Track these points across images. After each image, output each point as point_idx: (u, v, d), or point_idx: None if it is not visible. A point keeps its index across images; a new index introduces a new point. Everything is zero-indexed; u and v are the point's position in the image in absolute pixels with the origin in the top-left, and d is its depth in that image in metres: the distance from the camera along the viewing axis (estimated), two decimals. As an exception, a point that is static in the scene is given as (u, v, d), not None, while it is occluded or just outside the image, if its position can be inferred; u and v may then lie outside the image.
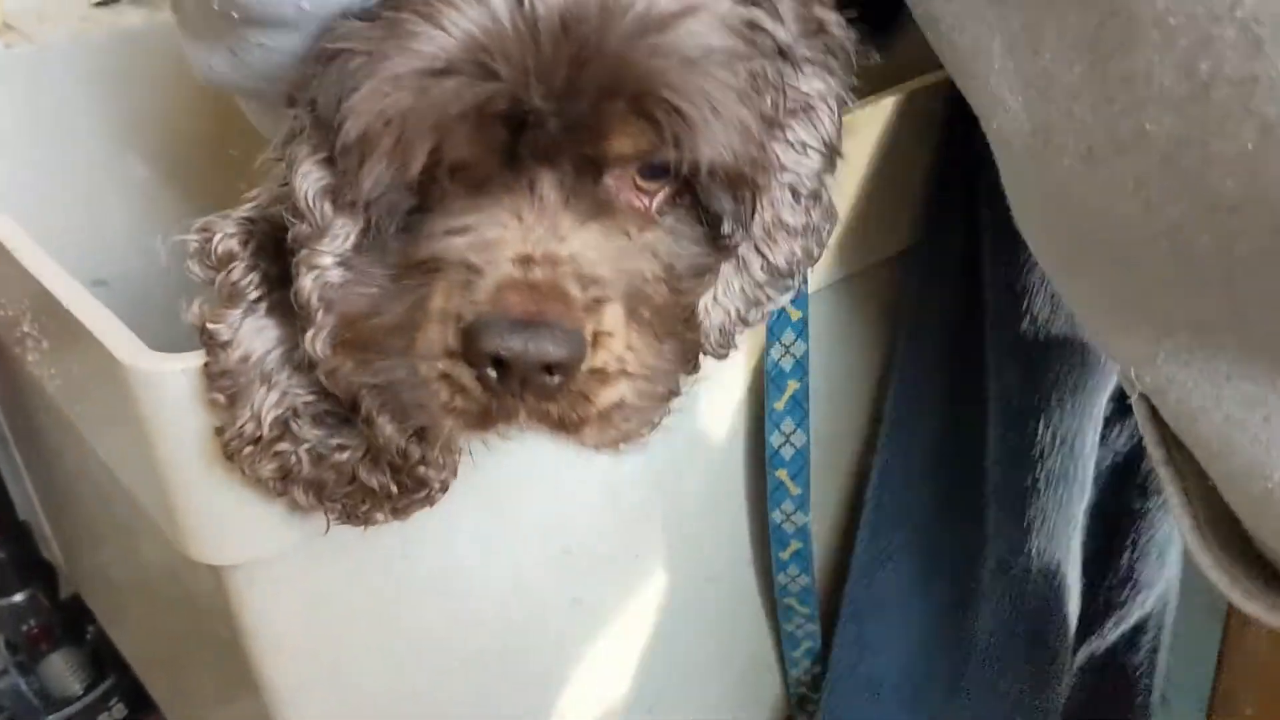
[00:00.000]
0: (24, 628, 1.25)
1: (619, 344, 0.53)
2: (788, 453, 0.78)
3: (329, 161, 0.54)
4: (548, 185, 0.53)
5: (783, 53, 0.56)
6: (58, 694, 1.30)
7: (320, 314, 0.55)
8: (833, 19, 0.59)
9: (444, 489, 0.62)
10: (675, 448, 0.79)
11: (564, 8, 0.49)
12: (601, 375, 0.52)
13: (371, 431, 0.58)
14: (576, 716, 0.85)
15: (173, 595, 0.79)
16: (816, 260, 0.64)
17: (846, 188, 0.75)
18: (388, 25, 0.51)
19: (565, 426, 0.53)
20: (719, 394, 0.78)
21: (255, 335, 0.57)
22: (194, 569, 0.64)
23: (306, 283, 0.55)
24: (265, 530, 0.62)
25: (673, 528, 0.84)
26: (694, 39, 0.51)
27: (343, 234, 0.55)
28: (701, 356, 0.61)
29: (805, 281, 0.68)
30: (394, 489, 0.60)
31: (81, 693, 1.30)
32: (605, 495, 0.78)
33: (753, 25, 0.54)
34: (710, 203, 0.56)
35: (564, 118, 0.50)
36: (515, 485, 0.73)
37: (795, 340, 0.73)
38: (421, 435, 0.59)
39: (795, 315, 0.73)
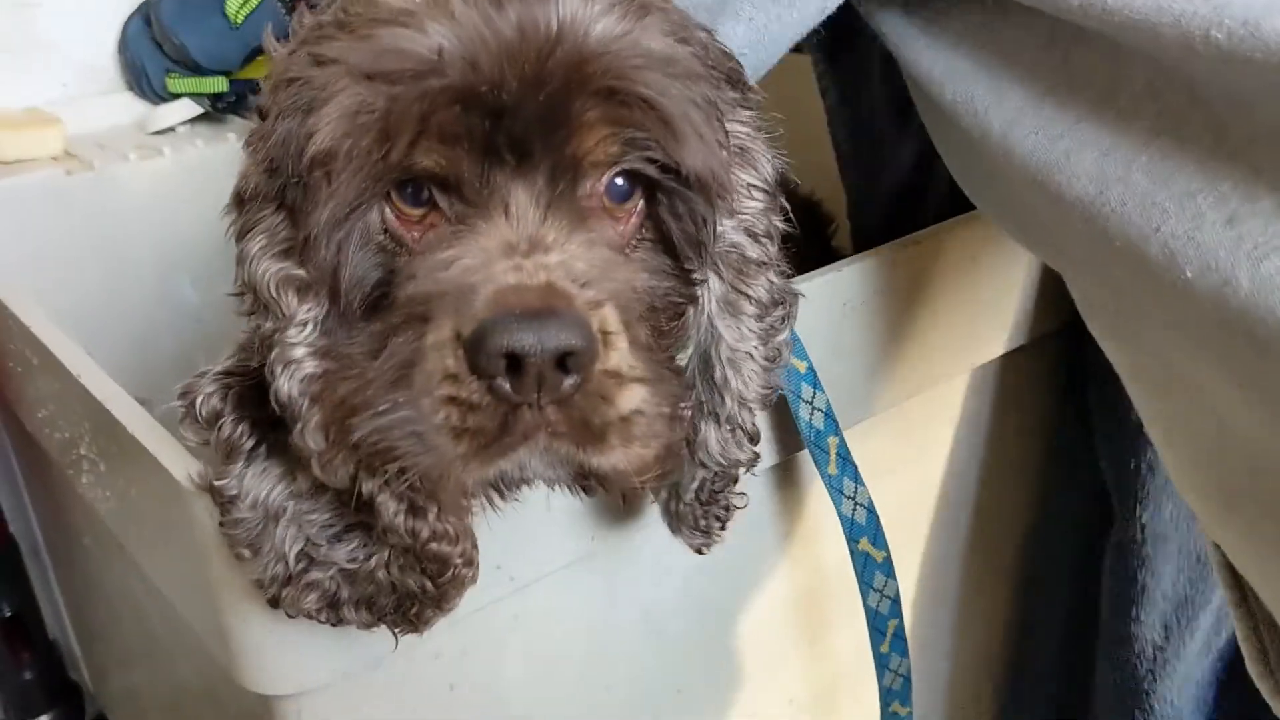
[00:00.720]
0: (50, 751, 1.24)
1: (624, 345, 0.50)
2: (861, 516, 0.75)
3: (285, 253, 0.54)
4: (524, 201, 0.52)
5: (726, 87, 0.58)
6: (76, 819, 1.27)
7: (305, 407, 0.53)
8: (752, 88, 0.61)
9: (468, 563, 0.58)
10: (716, 576, 0.78)
11: (531, 16, 0.50)
12: (617, 376, 0.50)
13: (378, 520, 0.55)
14: None
15: None
16: (791, 283, 0.64)
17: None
18: (344, 43, 0.51)
19: (589, 437, 0.49)
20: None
21: (259, 480, 0.56)
22: (240, 696, 0.64)
23: (284, 381, 0.53)
24: (317, 659, 0.61)
25: (717, 662, 0.83)
26: (659, 50, 0.52)
27: (310, 320, 0.54)
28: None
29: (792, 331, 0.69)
30: (428, 582, 0.58)
31: (102, 816, 1.28)
32: (645, 628, 0.77)
33: (699, 59, 0.55)
34: (674, 227, 0.56)
35: (537, 111, 0.50)
36: (557, 619, 0.72)
37: (814, 393, 0.72)
38: (423, 510, 0.55)
39: (801, 366, 0.71)
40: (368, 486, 0.54)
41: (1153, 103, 0.49)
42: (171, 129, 1.21)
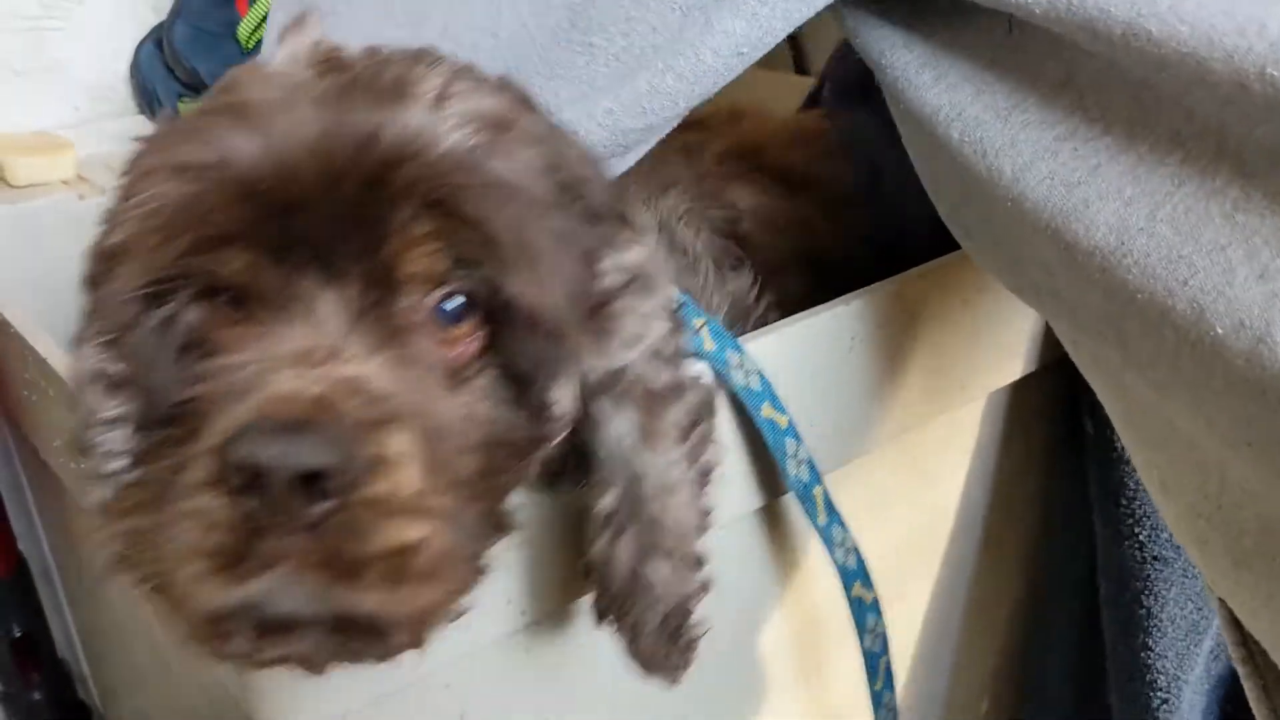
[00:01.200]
0: (57, 769, 1.24)
1: (409, 477, 0.45)
2: (852, 561, 0.75)
3: (104, 346, 0.51)
4: (330, 311, 0.48)
5: (598, 223, 0.55)
6: (81, 840, 1.28)
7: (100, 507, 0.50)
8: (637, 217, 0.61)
9: None
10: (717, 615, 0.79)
11: (367, 121, 0.48)
12: (382, 507, 0.44)
13: None
14: None
15: None
16: (713, 407, 0.62)
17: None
18: (168, 132, 0.50)
19: (342, 572, 0.43)
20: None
21: None
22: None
23: (101, 486, 0.51)
24: (331, 691, 0.62)
25: (720, 699, 0.83)
26: (502, 173, 0.49)
27: (112, 417, 0.52)
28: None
29: (766, 380, 0.69)
30: None
31: (106, 839, 1.28)
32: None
33: (562, 189, 0.53)
34: (517, 359, 0.52)
35: (352, 217, 0.47)
36: (567, 654, 0.72)
37: (797, 446, 0.71)
38: None
39: (783, 421, 0.70)
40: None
41: (1178, 149, 0.48)
42: (182, 153, 1.21)
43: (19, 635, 1.19)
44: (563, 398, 0.54)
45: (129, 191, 0.50)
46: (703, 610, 0.62)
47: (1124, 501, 0.89)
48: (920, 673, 1.00)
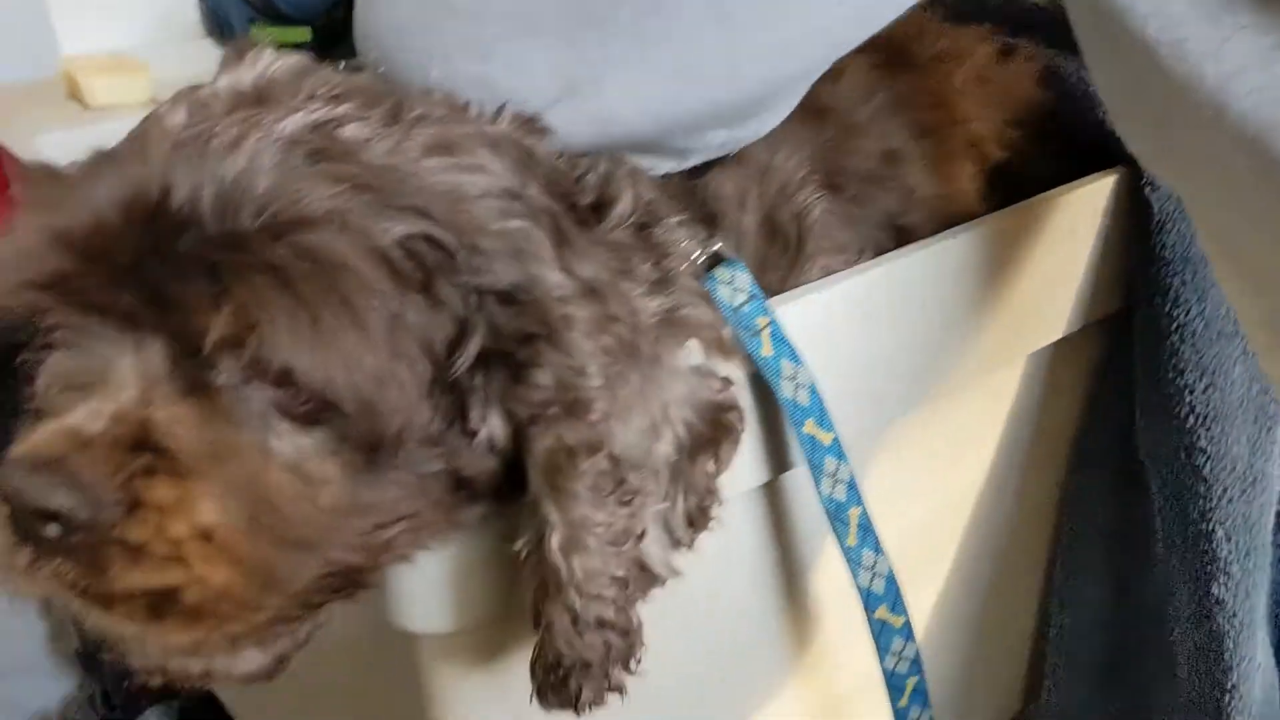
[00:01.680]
0: (126, 684, 1.28)
1: (179, 525, 0.48)
2: (879, 585, 0.75)
3: None
4: (155, 352, 0.50)
5: (479, 291, 0.53)
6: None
7: None
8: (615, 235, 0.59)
9: None
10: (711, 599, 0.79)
11: (166, 183, 0.49)
12: (132, 550, 0.48)
13: None
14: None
15: (350, 662, 0.81)
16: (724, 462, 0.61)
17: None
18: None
19: (87, 596, 0.48)
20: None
21: None
22: (385, 635, 0.66)
23: None
24: (470, 597, 0.64)
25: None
26: (319, 247, 0.48)
27: None
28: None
29: (818, 396, 0.68)
30: None
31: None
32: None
33: (421, 262, 0.51)
34: (346, 428, 0.51)
35: (155, 276, 0.49)
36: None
37: (838, 465, 0.70)
38: None
39: (826, 438, 0.69)
40: None
41: None
42: (253, 77, 1.22)
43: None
44: (495, 428, 0.55)
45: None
46: (604, 679, 0.59)
47: (1175, 470, 0.89)
48: (944, 651, 1.01)
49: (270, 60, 0.57)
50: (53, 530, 0.47)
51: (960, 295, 0.80)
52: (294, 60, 0.58)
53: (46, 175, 0.54)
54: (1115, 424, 0.96)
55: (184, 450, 0.49)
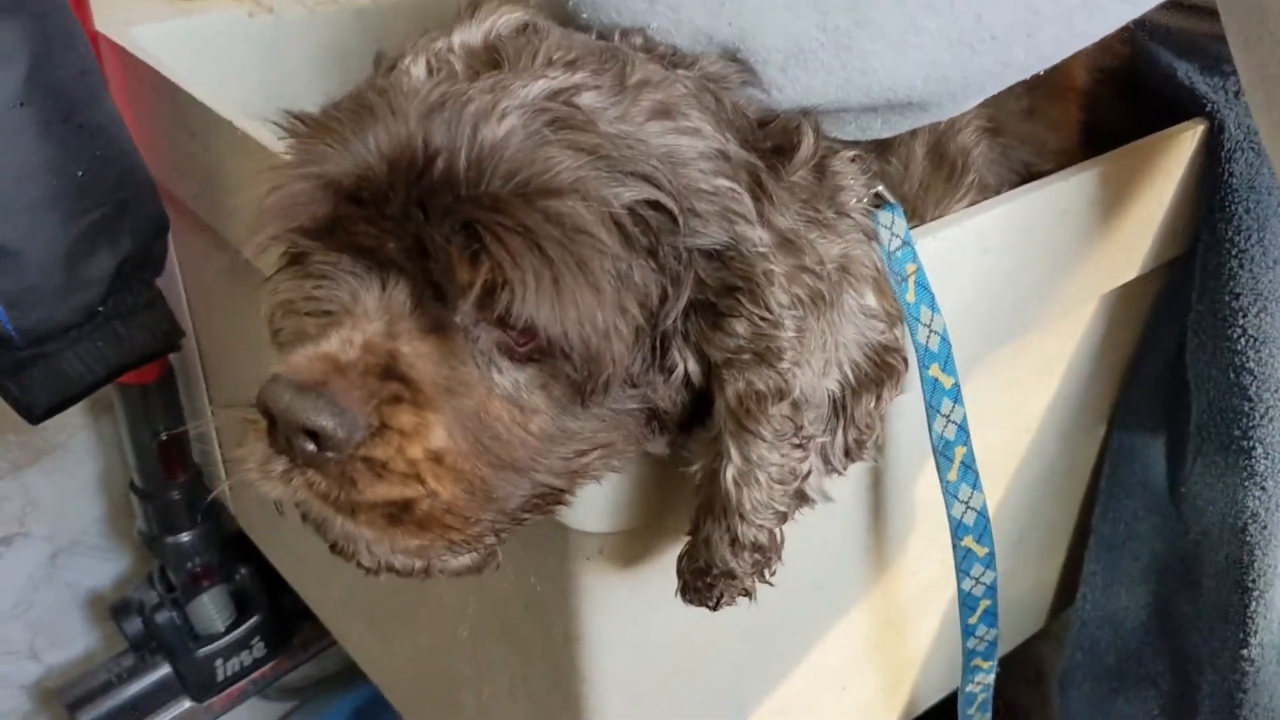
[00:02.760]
0: (189, 565, 1.32)
1: (415, 448, 0.54)
2: (970, 518, 0.80)
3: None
4: (400, 290, 0.56)
5: (688, 255, 0.57)
6: (202, 630, 1.36)
7: None
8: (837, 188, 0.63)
9: None
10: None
11: (433, 132, 0.54)
12: (377, 467, 0.54)
13: None
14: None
15: None
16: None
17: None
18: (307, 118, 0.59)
19: (335, 505, 0.55)
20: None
21: None
22: (541, 533, 0.71)
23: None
24: (627, 506, 0.68)
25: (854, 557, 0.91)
26: (553, 211, 0.53)
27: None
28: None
29: (947, 342, 0.72)
30: None
31: (223, 630, 1.37)
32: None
33: (644, 225, 0.55)
34: (562, 367, 0.56)
35: (411, 228, 0.54)
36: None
37: (953, 407, 0.75)
38: None
39: (948, 382, 0.74)
40: None
41: None
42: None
43: (165, 438, 1.24)
44: (690, 367, 0.59)
45: (274, 170, 0.58)
46: (743, 587, 0.65)
47: (1233, 380, 0.94)
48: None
49: (496, 17, 0.62)
50: (310, 446, 0.53)
51: (1062, 235, 0.85)
52: (515, 17, 0.62)
53: (307, 125, 0.58)
54: (1166, 354, 1.02)
55: (423, 381, 0.55)
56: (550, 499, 0.61)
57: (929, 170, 0.77)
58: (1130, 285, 0.95)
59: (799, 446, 0.61)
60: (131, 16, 1.07)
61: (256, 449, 0.55)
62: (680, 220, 0.56)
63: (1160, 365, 1.03)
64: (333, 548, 0.61)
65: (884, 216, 0.68)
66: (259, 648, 1.40)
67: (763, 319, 0.57)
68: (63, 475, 1.35)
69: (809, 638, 0.92)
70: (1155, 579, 1.09)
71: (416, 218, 0.54)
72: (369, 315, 0.56)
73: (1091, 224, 0.86)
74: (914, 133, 0.75)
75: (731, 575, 0.64)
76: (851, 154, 0.67)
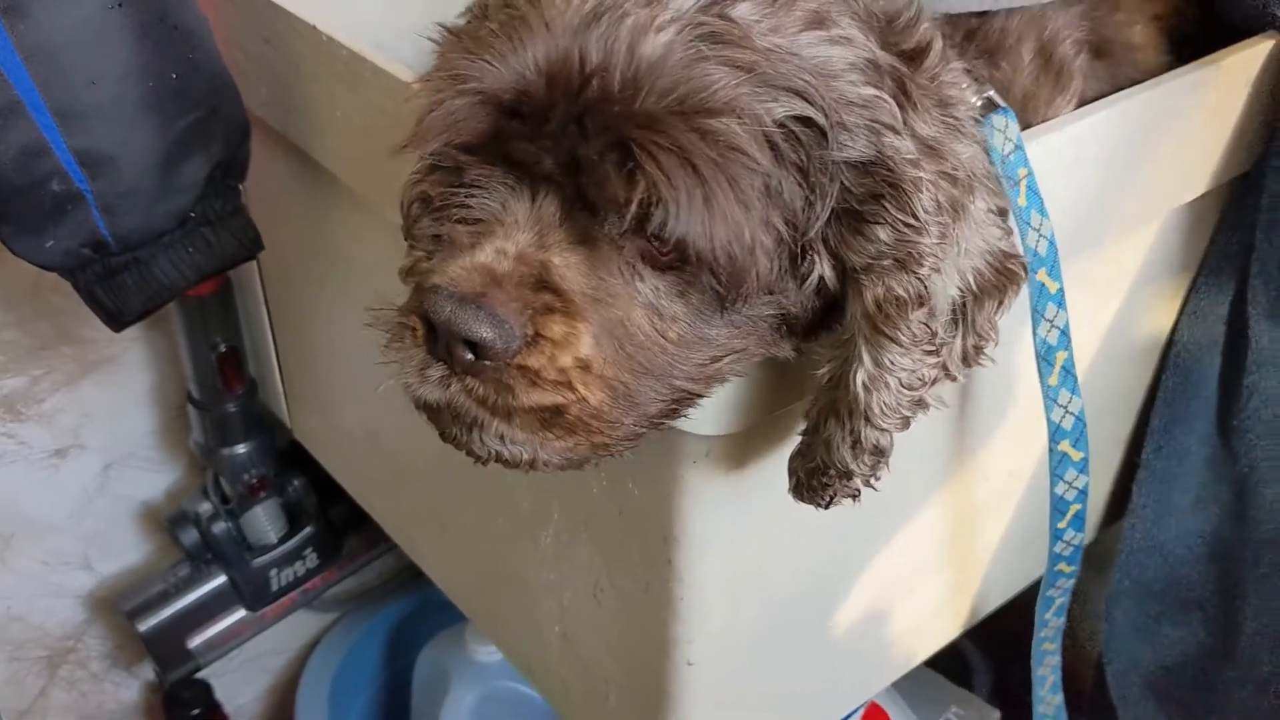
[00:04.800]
0: (245, 476, 1.33)
1: (565, 356, 0.56)
2: (1068, 423, 0.81)
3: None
4: (550, 202, 0.57)
5: (831, 167, 0.57)
6: (256, 541, 1.38)
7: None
8: (959, 101, 0.63)
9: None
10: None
11: (591, 46, 0.54)
12: (534, 375, 0.56)
13: None
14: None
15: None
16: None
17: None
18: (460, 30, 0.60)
19: (492, 409, 0.57)
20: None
21: None
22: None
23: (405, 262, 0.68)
24: (737, 407, 0.69)
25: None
26: (709, 128, 0.53)
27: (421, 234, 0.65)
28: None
29: (1054, 247, 0.72)
30: None
31: (276, 542, 1.39)
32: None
33: (794, 140, 0.56)
34: (702, 277, 0.57)
35: (567, 143, 0.55)
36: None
37: (1057, 312, 0.76)
38: None
39: (1054, 287, 0.74)
40: None
41: None
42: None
43: (224, 350, 1.25)
44: (825, 272, 0.60)
45: (430, 83, 0.59)
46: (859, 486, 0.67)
47: None
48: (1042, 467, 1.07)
49: None
50: (468, 356, 0.56)
51: (1144, 146, 0.85)
52: None
53: (458, 37, 0.59)
54: (1225, 280, 1.02)
55: (573, 292, 0.57)
56: (685, 403, 0.63)
57: (1038, 73, 0.78)
58: (1196, 203, 0.96)
59: (932, 353, 0.62)
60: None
61: (414, 354, 0.58)
62: (830, 135, 0.56)
63: (1219, 291, 1.04)
64: (443, 435, 0.62)
65: (998, 120, 0.68)
66: (311, 558, 1.42)
67: (908, 225, 0.58)
68: (116, 388, 1.35)
69: (886, 539, 0.94)
70: (1204, 510, 1.10)
71: (572, 134, 0.55)
72: (520, 226, 0.57)
73: (1169, 135, 0.87)
74: (1020, 38, 0.75)
75: (849, 476, 0.65)
76: (961, 65, 0.67)
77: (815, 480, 0.67)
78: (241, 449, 1.32)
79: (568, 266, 0.57)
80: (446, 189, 0.61)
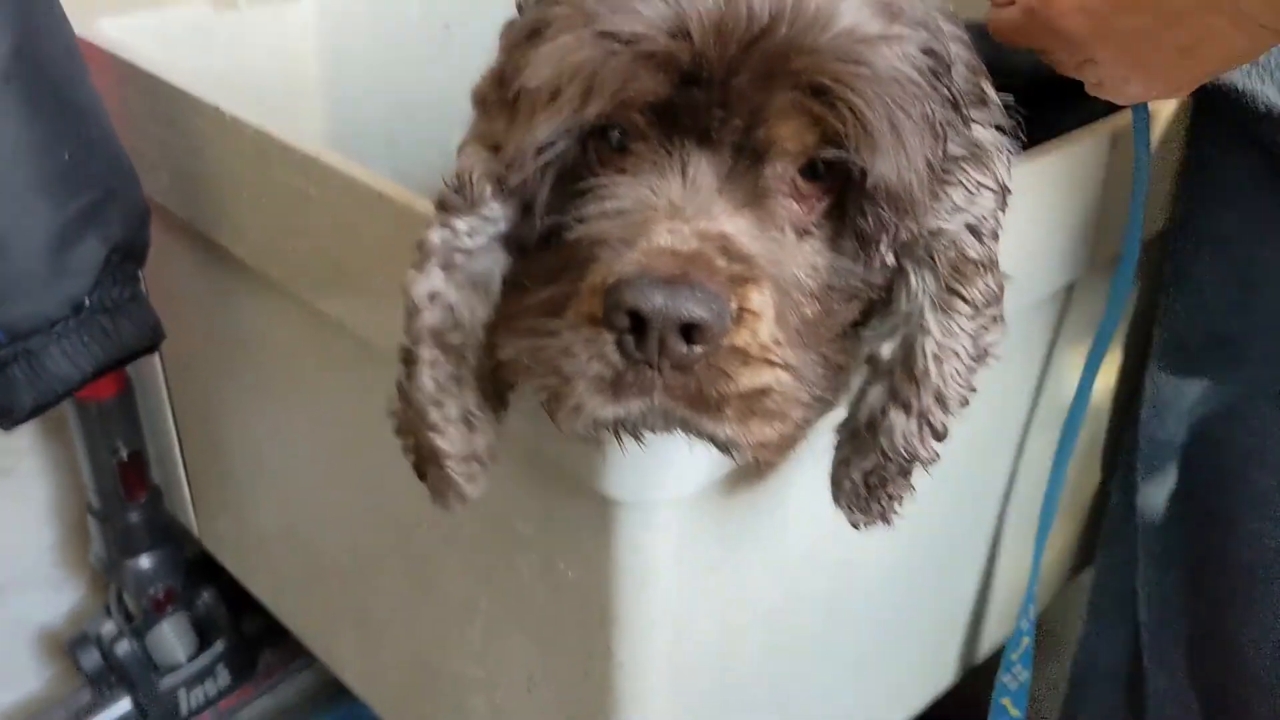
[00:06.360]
0: (150, 590, 1.26)
1: (765, 329, 0.52)
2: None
3: (495, 151, 0.58)
4: (703, 172, 0.54)
5: (955, 105, 0.59)
6: (163, 661, 1.30)
7: (431, 264, 0.59)
8: (994, 97, 0.63)
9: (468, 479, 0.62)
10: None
11: (757, 6, 0.52)
12: (744, 355, 0.52)
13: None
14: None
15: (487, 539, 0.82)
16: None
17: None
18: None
19: (704, 406, 0.52)
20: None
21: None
22: (578, 503, 0.69)
23: (434, 236, 0.59)
24: (677, 469, 0.66)
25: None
26: (886, 61, 0.53)
27: (497, 219, 0.59)
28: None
29: None
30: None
31: (185, 660, 1.31)
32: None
33: (934, 73, 0.57)
34: (861, 223, 0.56)
35: (738, 91, 0.52)
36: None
37: None
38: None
39: None
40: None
41: None
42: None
43: (125, 456, 1.19)
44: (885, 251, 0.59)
45: (543, 31, 0.55)
46: (917, 481, 0.66)
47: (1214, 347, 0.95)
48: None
49: None
50: (682, 347, 0.50)
51: (1049, 210, 0.85)
52: None
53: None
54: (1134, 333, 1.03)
55: (757, 258, 0.53)
56: (829, 387, 0.58)
57: None
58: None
59: (996, 322, 0.62)
60: (96, 9, 1.03)
61: (599, 369, 0.51)
62: (953, 70, 0.58)
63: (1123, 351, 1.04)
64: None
65: None
66: (224, 676, 1.34)
67: (985, 187, 0.59)
68: (10, 501, 1.28)
69: (837, 617, 0.90)
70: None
71: (748, 84, 0.52)
72: (684, 197, 0.54)
73: (1077, 201, 0.87)
74: None
75: (914, 459, 0.63)
76: None
77: (875, 478, 0.65)
78: (145, 561, 1.25)
79: (740, 233, 0.53)
80: (584, 162, 0.56)
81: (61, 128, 0.75)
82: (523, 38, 0.57)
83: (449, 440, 0.60)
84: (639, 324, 0.49)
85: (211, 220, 0.91)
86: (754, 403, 0.52)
